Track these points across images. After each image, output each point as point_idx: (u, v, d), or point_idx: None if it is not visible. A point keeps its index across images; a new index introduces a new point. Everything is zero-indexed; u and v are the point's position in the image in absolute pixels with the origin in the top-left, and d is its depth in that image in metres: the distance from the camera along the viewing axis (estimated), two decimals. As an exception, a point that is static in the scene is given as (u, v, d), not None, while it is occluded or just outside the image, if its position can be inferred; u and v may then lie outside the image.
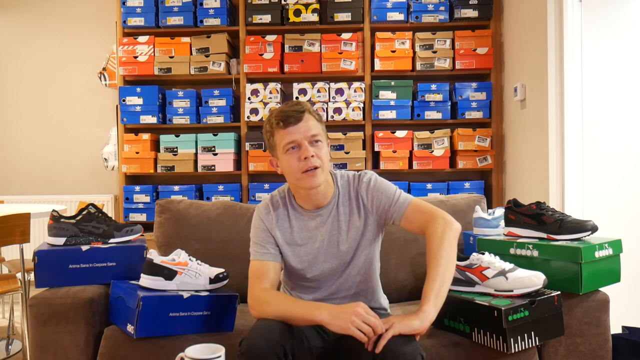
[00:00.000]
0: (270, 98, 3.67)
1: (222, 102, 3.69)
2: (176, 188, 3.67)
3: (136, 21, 3.71)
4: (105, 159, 3.95)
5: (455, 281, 1.58)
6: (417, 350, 1.25)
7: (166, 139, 3.71)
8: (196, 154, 3.70)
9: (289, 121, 1.44)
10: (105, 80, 4.02)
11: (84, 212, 1.73)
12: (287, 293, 1.66)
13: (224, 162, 3.66)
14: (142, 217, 3.66)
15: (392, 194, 1.52)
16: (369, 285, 1.60)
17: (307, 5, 3.64)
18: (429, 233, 1.43)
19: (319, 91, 3.64)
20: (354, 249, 1.54)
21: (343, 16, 3.65)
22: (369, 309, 1.29)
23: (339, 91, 3.65)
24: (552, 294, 1.46)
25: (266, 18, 3.68)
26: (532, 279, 1.46)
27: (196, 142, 3.69)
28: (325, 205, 1.54)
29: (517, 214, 1.72)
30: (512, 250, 1.66)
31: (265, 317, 1.38)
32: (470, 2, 3.59)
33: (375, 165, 3.70)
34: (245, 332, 1.35)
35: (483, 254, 1.57)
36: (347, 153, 3.60)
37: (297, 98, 3.64)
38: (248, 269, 1.51)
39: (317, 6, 3.65)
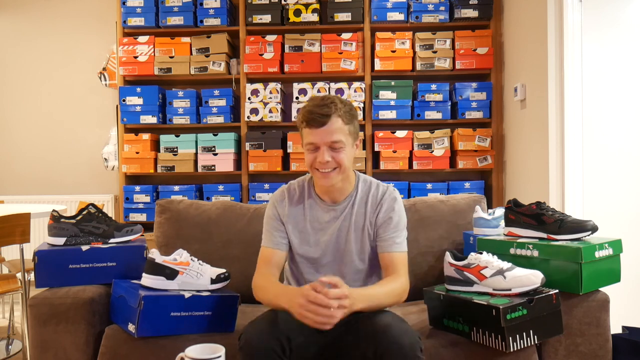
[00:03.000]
0: (270, 98, 3.67)
1: (222, 102, 3.69)
2: (176, 188, 3.68)
3: (136, 21, 3.71)
4: (106, 159, 3.95)
5: (454, 281, 1.58)
6: (416, 343, 1.28)
7: (166, 139, 3.71)
8: (196, 154, 3.70)
9: (312, 124, 1.47)
10: (105, 80, 4.03)
11: (84, 212, 1.73)
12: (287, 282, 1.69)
13: (224, 162, 3.66)
14: (142, 217, 3.66)
15: (398, 230, 1.55)
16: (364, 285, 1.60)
17: (307, 5, 3.64)
18: (391, 277, 1.50)
19: (319, 91, 3.64)
20: (358, 250, 1.56)
21: (343, 16, 3.65)
22: (320, 283, 1.29)
23: (339, 91, 3.65)
24: (550, 293, 1.46)
25: (266, 18, 3.68)
26: (530, 278, 1.46)
27: (196, 142, 3.70)
28: (341, 201, 1.58)
29: (517, 214, 1.72)
30: (512, 250, 1.66)
31: (263, 303, 1.48)
32: (470, 2, 3.59)
33: (375, 166, 3.70)
34: (245, 332, 1.36)
35: (481, 253, 1.57)
36: (347, 153, 3.59)
37: (297, 98, 3.65)
38: (248, 270, 1.53)
39: (317, 6, 3.65)
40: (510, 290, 1.47)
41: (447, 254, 1.62)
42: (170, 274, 1.57)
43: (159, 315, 1.50)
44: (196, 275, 1.60)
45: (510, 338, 1.40)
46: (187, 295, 1.54)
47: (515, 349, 1.41)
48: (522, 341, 1.42)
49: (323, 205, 1.59)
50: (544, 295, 1.45)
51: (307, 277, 1.60)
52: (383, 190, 1.60)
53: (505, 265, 1.52)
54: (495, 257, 1.56)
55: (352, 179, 1.60)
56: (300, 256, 1.59)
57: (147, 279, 1.56)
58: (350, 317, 1.34)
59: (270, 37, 3.68)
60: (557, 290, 1.48)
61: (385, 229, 1.55)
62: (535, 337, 1.45)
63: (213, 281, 1.61)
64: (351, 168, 1.56)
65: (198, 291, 1.58)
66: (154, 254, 1.58)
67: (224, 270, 1.64)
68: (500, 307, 1.38)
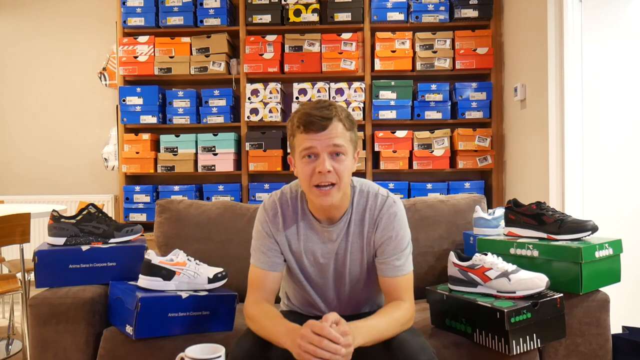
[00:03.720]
0: (270, 98, 3.66)
1: (222, 102, 3.69)
2: (176, 188, 3.67)
3: (136, 21, 3.71)
4: (106, 159, 3.94)
5: (457, 281, 1.58)
6: (432, 359, 1.26)
7: (166, 139, 3.71)
8: (196, 154, 3.70)
9: (310, 128, 1.29)
10: (105, 80, 4.02)
11: (84, 212, 1.73)
12: (285, 299, 1.63)
13: (224, 162, 3.66)
14: (142, 217, 3.66)
15: (398, 251, 1.40)
16: (366, 300, 1.55)
17: (307, 5, 3.64)
18: (395, 303, 1.37)
19: (319, 91, 3.64)
20: (357, 272, 1.47)
21: (343, 16, 3.64)
22: (318, 324, 1.16)
23: (339, 91, 3.65)
24: (555, 296, 1.46)
25: (266, 18, 3.67)
26: (535, 281, 1.46)
27: (196, 142, 3.69)
28: (336, 221, 1.43)
29: (517, 214, 1.72)
30: (512, 250, 1.65)
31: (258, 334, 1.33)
32: (470, 2, 3.58)
33: (375, 166, 3.70)
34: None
35: (486, 254, 1.56)
36: (347, 153, 3.59)
37: (297, 98, 3.64)
38: (247, 269, 1.50)
39: (317, 6, 3.65)
40: (514, 292, 1.46)
41: (452, 254, 1.61)
42: (166, 274, 1.56)
43: (156, 316, 1.50)
44: (193, 275, 1.59)
45: (514, 341, 1.39)
46: (184, 295, 1.53)
47: (518, 352, 1.40)
48: (525, 344, 1.41)
49: (319, 226, 1.43)
50: (548, 299, 1.44)
51: (304, 296, 1.52)
52: (381, 203, 1.42)
53: (510, 267, 1.51)
54: (500, 258, 1.55)
55: (349, 193, 1.42)
56: (295, 276, 1.48)
57: (143, 280, 1.56)
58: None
59: (270, 37, 3.68)
60: (561, 294, 1.47)
61: (385, 249, 1.40)
62: (539, 340, 1.44)
63: (210, 280, 1.61)
64: (348, 184, 1.39)
65: (195, 291, 1.58)
66: (150, 255, 1.58)
67: (221, 270, 1.64)
68: (505, 310, 1.37)
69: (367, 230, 1.43)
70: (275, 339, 1.26)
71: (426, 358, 1.24)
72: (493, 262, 1.53)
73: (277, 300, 1.57)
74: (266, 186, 3.65)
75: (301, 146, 1.32)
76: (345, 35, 3.65)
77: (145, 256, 1.59)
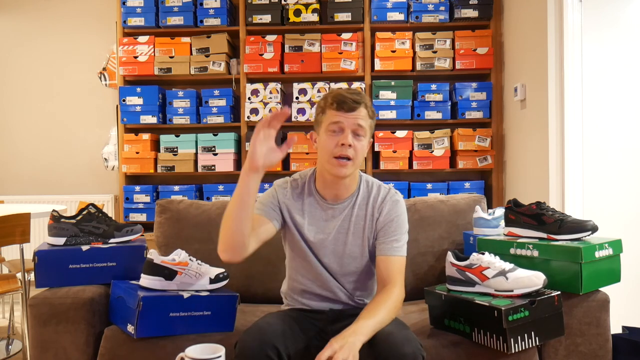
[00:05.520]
0: (270, 98, 3.67)
1: (222, 102, 3.69)
2: (176, 188, 3.67)
3: (136, 21, 3.71)
4: (106, 159, 3.95)
5: (455, 281, 1.58)
6: (418, 351, 1.26)
7: (166, 139, 3.71)
8: (196, 154, 3.70)
9: (342, 106, 1.45)
10: (105, 80, 4.02)
11: (84, 212, 1.73)
12: (286, 287, 1.66)
13: (224, 162, 3.66)
14: (142, 217, 3.66)
15: (398, 234, 1.51)
16: (364, 289, 1.59)
17: (307, 5, 3.64)
18: (386, 289, 1.44)
19: (319, 91, 3.64)
20: (357, 253, 1.53)
21: (343, 16, 3.65)
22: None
23: (339, 91, 3.64)
24: (552, 294, 1.46)
25: (266, 18, 3.68)
26: (532, 279, 1.46)
27: (196, 142, 3.69)
28: (342, 200, 1.54)
29: (517, 214, 1.72)
30: (512, 250, 1.66)
31: (223, 238, 1.37)
32: (470, 2, 3.59)
33: (375, 166, 3.70)
34: (245, 332, 1.35)
35: (483, 254, 1.57)
36: (347, 153, 3.59)
37: (297, 98, 3.65)
38: (248, 269, 1.51)
39: (317, 6, 3.65)
40: (512, 291, 1.47)
41: (449, 253, 1.61)
42: (168, 274, 1.56)
43: (157, 315, 1.50)
44: (195, 275, 1.59)
45: (512, 339, 1.39)
46: (186, 295, 1.54)
47: (517, 350, 1.41)
48: (523, 342, 1.41)
49: (323, 203, 1.54)
50: (545, 296, 1.45)
51: (304, 280, 1.56)
52: (385, 192, 1.55)
53: (508, 266, 1.52)
54: (497, 257, 1.56)
55: (357, 178, 1.56)
56: (299, 250, 1.55)
57: (145, 280, 1.56)
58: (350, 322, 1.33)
59: (270, 37, 3.68)
60: (559, 292, 1.48)
61: (387, 231, 1.51)
62: (537, 338, 1.44)
63: (212, 281, 1.61)
64: (360, 165, 1.52)
65: (197, 291, 1.58)
66: (153, 255, 1.58)
67: (222, 270, 1.64)
68: (502, 308, 1.38)
69: (369, 214, 1.54)
70: (231, 202, 1.32)
71: (411, 350, 1.25)
72: (490, 261, 1.53)
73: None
74: (266, 186, 3.63)
75: (330, 120, 1.46)
76: (345, 35, 3.65)
77: (148, 256, 1.59)
